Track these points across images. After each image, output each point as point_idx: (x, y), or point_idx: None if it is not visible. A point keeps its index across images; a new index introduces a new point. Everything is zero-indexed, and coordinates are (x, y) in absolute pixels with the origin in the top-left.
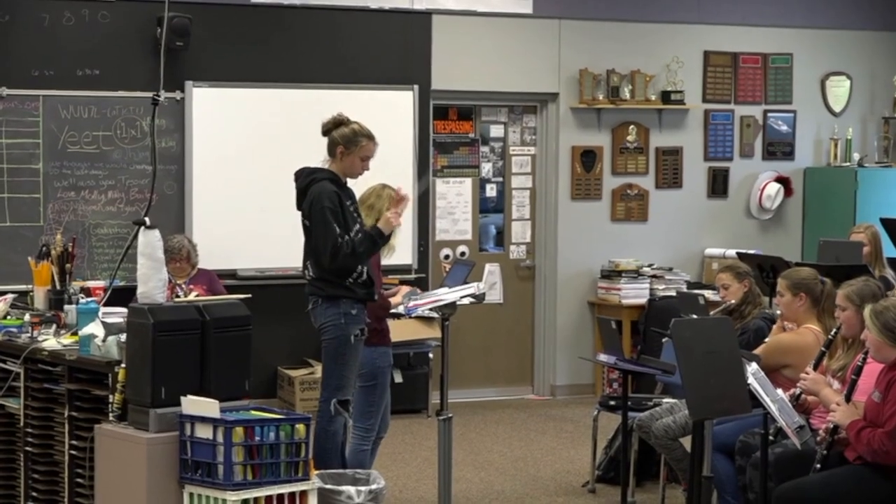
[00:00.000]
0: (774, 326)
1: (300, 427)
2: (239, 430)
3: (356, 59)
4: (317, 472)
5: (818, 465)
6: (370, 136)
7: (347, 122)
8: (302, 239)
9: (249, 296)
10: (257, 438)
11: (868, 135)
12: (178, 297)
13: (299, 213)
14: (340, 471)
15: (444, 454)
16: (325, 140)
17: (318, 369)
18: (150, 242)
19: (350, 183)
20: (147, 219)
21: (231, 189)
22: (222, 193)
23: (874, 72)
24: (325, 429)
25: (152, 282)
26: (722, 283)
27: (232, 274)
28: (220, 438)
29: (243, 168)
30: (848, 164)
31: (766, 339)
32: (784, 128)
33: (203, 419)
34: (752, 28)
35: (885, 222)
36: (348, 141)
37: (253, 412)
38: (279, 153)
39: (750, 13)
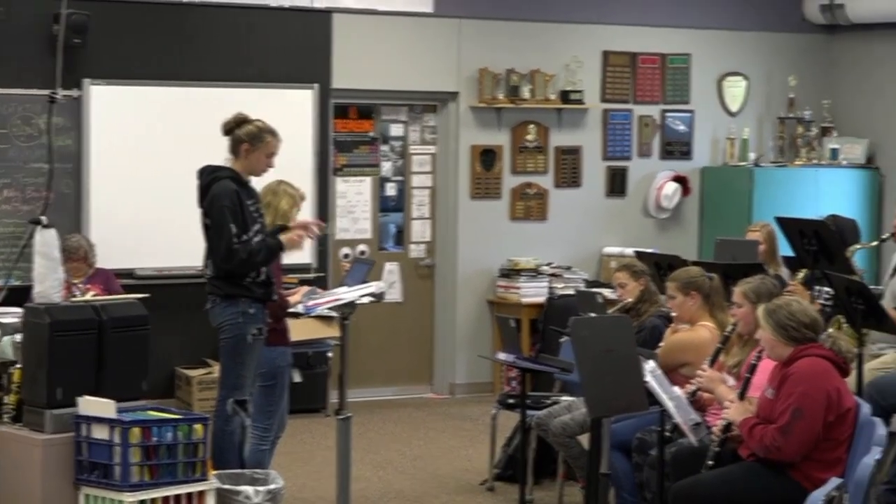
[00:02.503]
0: (668, 330)
1: (198, 427)
2: (136, 430)
3: (256, 58)
4: (215, 472)
5: (710, 462)
6: (274, 133)
7: (250, 119)
8: (201, 237)
9: (147, 295)
10: (154, 439)
11: (764, 134)
12: (74, 296)
13: (200, 212)
14: (238, 471)
15: (343, 453)
16: (224, 138)
17: (216, 369)
18: (46, 241)
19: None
20: (43, 218)
21: (129, 188)
22: (120, 192)
23: (770, 72)
24: (222, 429)
25: (49, 281)
26: (619, 282)
27: (129, 273)
28: (116, 439)
29: (141, 167)
30: (744, 163)
31: (662, 342)
32: (681, 127)
33: (99, 420)
34: (650, 28)
35: (781, 221)
36: (254, 138)
37: (150, 412)
38: (177, 152)
39: (648, 14)
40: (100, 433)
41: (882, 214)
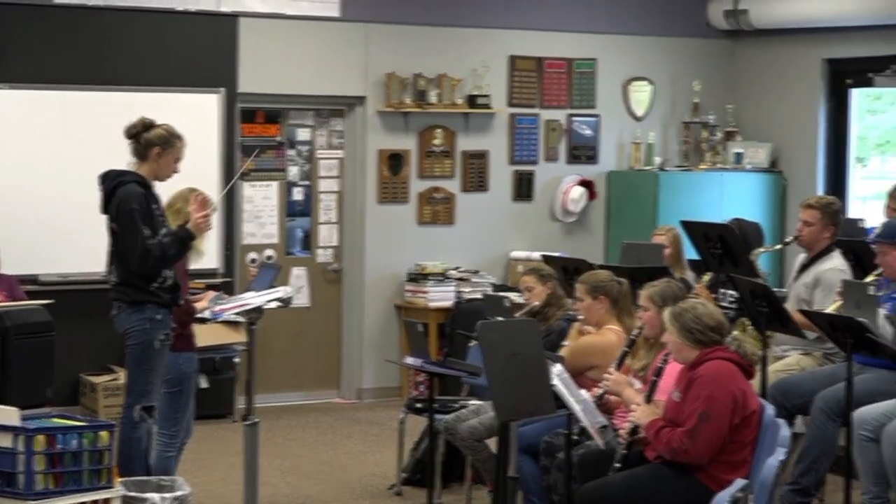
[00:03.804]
0: (572, 331)
1: (103, 434)
2: (40, 438)
3: (162, 62)
4: (121, 479)
5: (618, 465)
6: (181, 138)
7: (157, 123)
8: (105, 243)
9: (51, 301)
10: (59, 446)
11: (669, 139)
12: None
13: (104, 217)
14: (145, 478)
15: (251, 459)
16: (129, 142)
17: (122, 375)
18: None
19: (156, 187)
20: None
21: (32, 193)
22: (23, 197)
23: (675, 77)
24: (128, 436)
25: None
26: (526, 286)
27: (33, 279)
28: (20, 447)
29: (45, 171)
30: (650, 167)
31: (565, 344)
32: (588, 132)
33: (3, 427)
34: (556, 33)
35: (686, 225)
36: (165, 141)
37: (55, 419)
38: (81, 156)
39: (555, 19)
40: (3, 441)
41: (785, 218)
